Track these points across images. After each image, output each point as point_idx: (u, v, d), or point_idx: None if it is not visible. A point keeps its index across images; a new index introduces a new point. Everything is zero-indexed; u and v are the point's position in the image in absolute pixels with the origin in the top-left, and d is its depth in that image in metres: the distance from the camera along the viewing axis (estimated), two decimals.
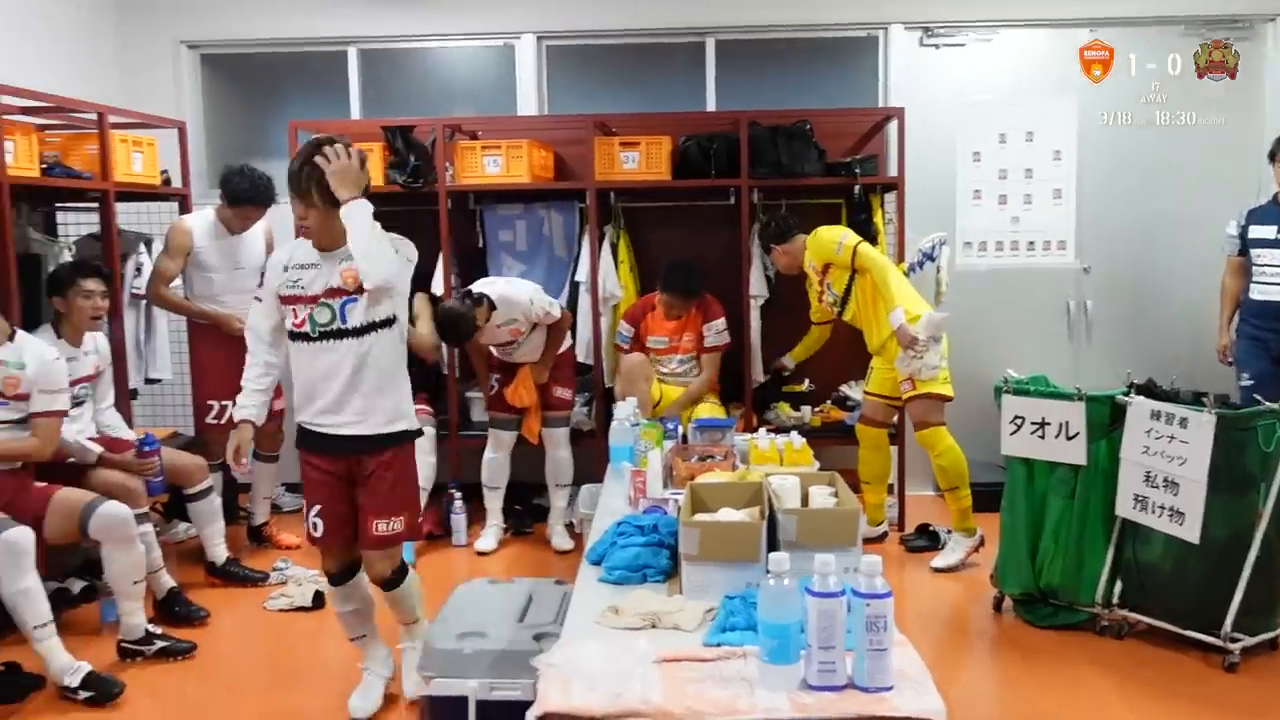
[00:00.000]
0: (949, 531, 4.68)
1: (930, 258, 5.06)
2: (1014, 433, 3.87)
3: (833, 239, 4.67)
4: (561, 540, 4.94)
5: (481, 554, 4.90)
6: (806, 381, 5.47)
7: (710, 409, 4.98)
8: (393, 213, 5.38)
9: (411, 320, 4.81)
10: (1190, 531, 3.41)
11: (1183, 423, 3.42)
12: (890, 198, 5.29)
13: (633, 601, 2.32)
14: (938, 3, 5.68)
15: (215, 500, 4.46)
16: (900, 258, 5.08)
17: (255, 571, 4.54)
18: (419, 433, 3.16)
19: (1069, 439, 3.73)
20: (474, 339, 4.62)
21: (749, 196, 5.16)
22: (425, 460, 4.85)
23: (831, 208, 5.41)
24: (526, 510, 5.31)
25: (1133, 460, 3.58)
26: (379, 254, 2.82)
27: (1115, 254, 5.78)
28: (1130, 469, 3.60)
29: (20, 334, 3.67)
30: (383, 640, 3.37)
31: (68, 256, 4.66)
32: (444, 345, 5.06)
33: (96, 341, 4.21)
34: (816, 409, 5.41)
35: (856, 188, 5.16)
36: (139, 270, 4.94)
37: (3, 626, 3.27)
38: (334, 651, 3.68)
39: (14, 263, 4.00)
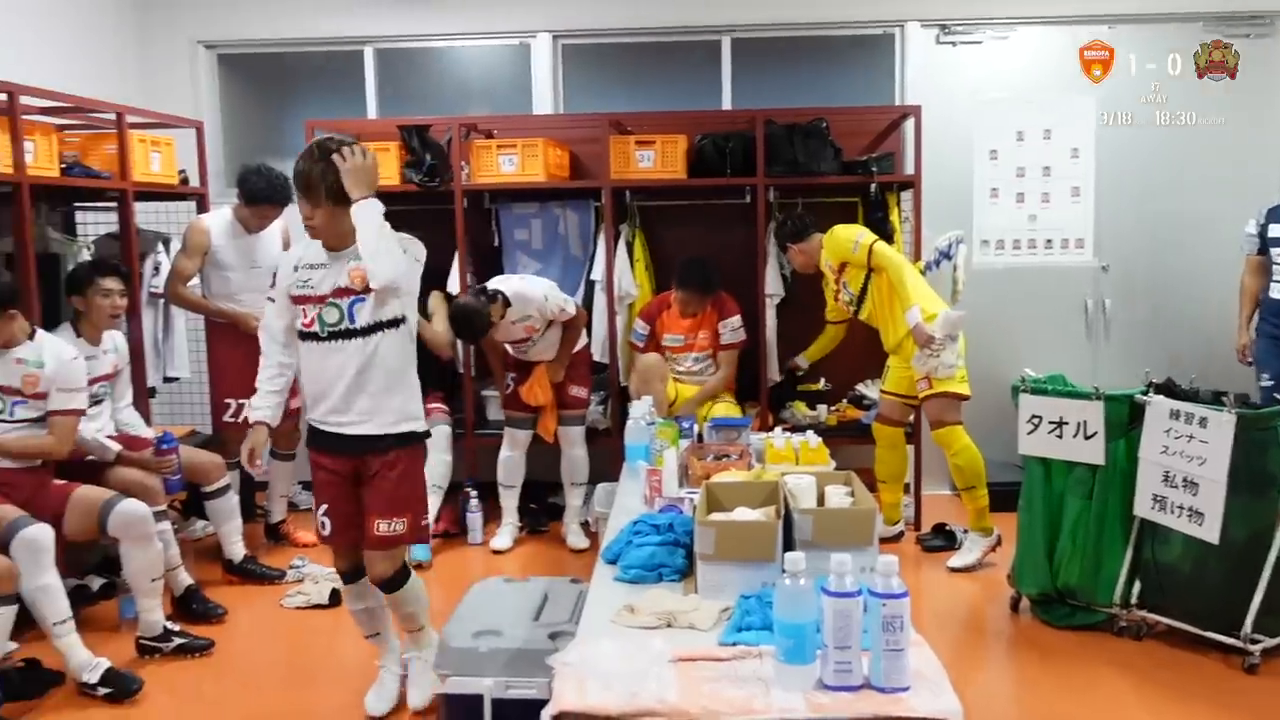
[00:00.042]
0: (966, 531, 4.66)
1: (947, 256, 5.03)
2: (1031, 432, 3.85)
3: (849, 237, 4.66)
4: (577, 539, 4.94)
5: (497, 552, 4.91)
6: (822, 380, 5.45)
7: (726, 408, 4.98)
8: (409, 211, 5.42)
9: (427, 317, 4.86)
10: (1210, 532, 3.38)
11: (1202, 422, 3.40)
12: (907, 196, 5.27)
13: (648, 600, 2.32)
14: (954, 0, 5.66)
15: (233, 498, 4.48)
16: (917, 256, 5.07)
17: (272, 569, 4.56)
18: (426, 434, 3.14)
19: (1087, 438, 3.71)
20: (489, 336, 4.63)
21: (765, 195, 5.15)
22: (441, 459, 4.88)
23: (848, 206, 5.39)
24: (542, 509, 5.32)
25: (1151, 460, 3.56)
26: (387, 253, 2.81)
27: (1134, 252, 5.75)
28: (1149, 469, 3.57)
29: (40, 333, 3.69)
30: (398, 637, 3.38)
31: (86, 256, 4.69)
32: (459, 342, 5.07)
33: (115, 340, 4.23)
34: (832, 408, 5.39)
35: (873, 186, 5.14)
36: (157, 269, 4.97)
37: (23, 623, 3.29)
38: (350, 649, 3.69)
39: (33, 262, 4.03)
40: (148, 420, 4.59)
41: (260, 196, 4.58)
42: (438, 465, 4.89)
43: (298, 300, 2.96)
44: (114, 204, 4.79)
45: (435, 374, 5.19)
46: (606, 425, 5.31)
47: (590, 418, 5.14)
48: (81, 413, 3.74)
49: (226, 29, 5.96)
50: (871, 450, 4.93)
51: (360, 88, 6.00)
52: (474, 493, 5.07)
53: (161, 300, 5.01)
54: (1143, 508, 3.61)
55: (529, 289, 4.66)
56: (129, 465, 4.02)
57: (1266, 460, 3.39)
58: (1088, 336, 5.81)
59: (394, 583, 3.10)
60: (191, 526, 5.03)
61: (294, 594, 4.33)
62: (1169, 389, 3.66)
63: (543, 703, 1.91)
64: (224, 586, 4.42)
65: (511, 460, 4.99)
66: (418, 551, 4.70)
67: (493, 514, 5.08)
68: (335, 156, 2.83)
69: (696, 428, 4.06)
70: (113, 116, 4.62)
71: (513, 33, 5.91)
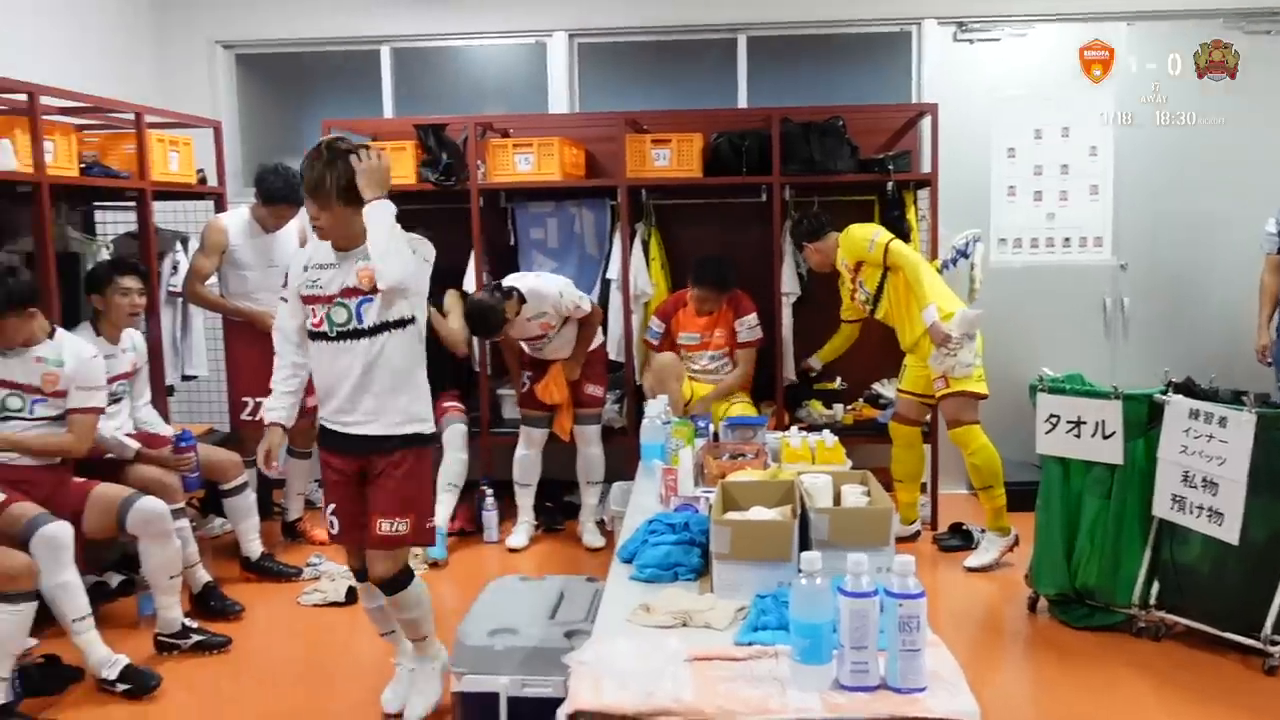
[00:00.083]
0: (983, 530, 4.64)
1: (964, 254, 5.01)
2: (1049, 431, 3.83)
3: (865, 236, 4.65)
4: (593, 537, 4.95)
5: (513, 551, 4.91)
6: (838, 379, 5.44)
7: (742, 407, 4.97)
8: (425, 210, 5.45)
9: (443, 314, 4.88)
10: (1229, 532, 3.36)
11: (1222, 422, 3.38)
12: (924, 194, 5.25)
13: (664, 600, 2.32)
14: None
15: (250, 496, 4.50)
16: (934, 255, 5.05)
17: (289, 567, 4.58)
18: (434, 437, 3.10)
19: (1105, 438, 3.68)
20: (504, 333, 4.63)
21: (781, 193, 5.14)
22: (457, 457, 4.89)
23: (864, 205, 5.37)
24: (558, 507, 5.33)
25: (1170, 460, 3.54)
26: (396, 254, 2.80)
27: (1153, 250, 5.71)
28: (1168, 469, 3.55)
29: (59, 331, 3.72)
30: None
31: (105, 255, 4.72)
32: (475, 340, 5.08)
33: (134, 339, 4.26)
34: (849, 407, 5.38)
35: (889, 184, 5.12)
36: (175, 268, 5.00)
37: (43, 619, 3.31)
38: (366, 646, 3.70)
39: (53, 261, 4.06)
40: (166, 418, 4.62)
41: (277, 196, 4.59)
42: (454, 464, 4.90)
43: (307, 300, 2.96)
44: (133, 203, 4.82)
45: (451, 373, 5.21)
46: (622, 424, 5.31)
47: (606, 416, 5.14)
48: (101, 411, 3.77)
49: (244, 29, 5.99)
50: (888, 449, 4.92)
51: (377, 87, 6.02)
52: (490, 491, 5.08)
53: (180, 299, 5.03)
54: (1162, 508, 3.59)
55: (544, 286, 4.67)
56: (148, 463, 4.04)
57: None
58: (1106, 335, 5.78)
59: (394, 584, 3.04)
60: (209, 524, 5.05)
61: (311, 591, 4.34)
62: (1188, 388, 3.63)
63: (558, 701, 1.91)
64: (241, 584, 4.45)
65: (527, 459, 4.99)
66: (434, 550, 4.72)
67: (508, 512, 5.09)
68: (352, 157, 2.83)
69: (712, 427, 4.05)
70: (131, 116, 4.65)
71: (529, 32, 5.91)
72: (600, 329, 5.03)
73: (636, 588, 2.46)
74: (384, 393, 2.92)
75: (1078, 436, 3.75)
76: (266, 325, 4.51)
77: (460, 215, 5.27)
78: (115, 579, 4.27)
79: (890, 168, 5.10)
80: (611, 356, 5.22)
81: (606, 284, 5.40)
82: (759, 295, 5.14)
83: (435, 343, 4.97)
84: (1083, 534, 3.80)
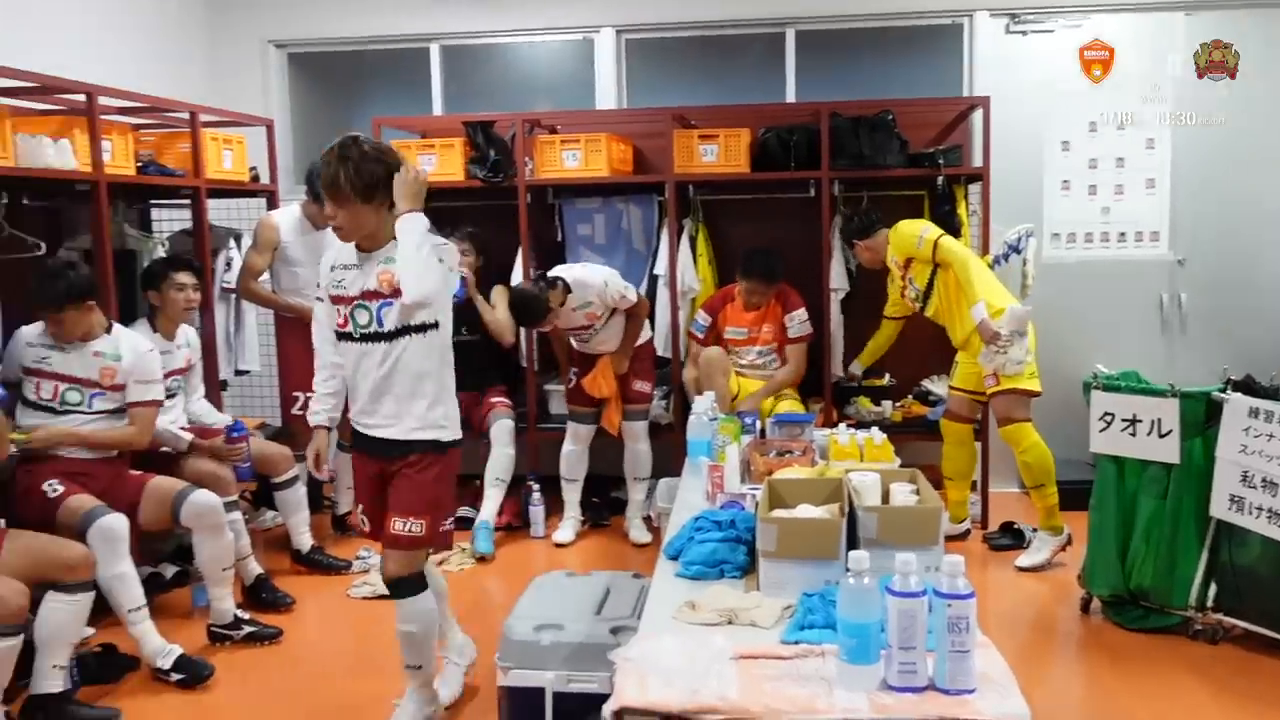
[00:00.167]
0: (1035, 530, 4.57)
1: (1016, 250, 4.93)
2: (1104, 430, 3.77)
3: (913, 233, 4.60)
4: (639, 533, 4.95)
5: (559, 546, 4.93)
6: (886, 376, 5.39)
7: (790, 404, 4.94)
8: (473, 207, 5.49)
9: (491, 306, 4.93)
10: None
11: None
12: (975, 189, 5.18)
13: (710, 597, 2.31)
14: None
15: (301, 489, 4.56)
16: (985, 250, 4.98)
17: (339, 560, 4.63)
18: (456, 443, 3.01)
19: (1161, 437, 3.61)
20: (549, 322, 4.64)
21: (829, 188, 5.10)
22: (504, 452, 4.92)
23: (914, 199, 5.31)
24: (604, 503, 5.34)
25: (1229, 459, 3.46)
26: (425, 271, 2.75)
27: (1212, 245, 5.58)
28: (1226, 468, 3.47)
29: (116, 326, 3.79)
30: (460, 628, 3.41)
31: (161, 252, 4.80)
32: (521, 331, 5.11)
33: (188, 335, 4.33)
34: (897, 404, 5.32)
35: (940, 179, 5.06)
36: (229, 265, 5.07)
37: (99, 609, 3.37)
38: None
39: (111, 258, 4.13)
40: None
41: None
42: (500, 459, 4.93)
43: (334, 300, 2.95)
44: (188, 201, 4.89)
45: (499, 369, 5.24)
46: (669, 420, 5.30)
47: (653, 412, 5.14)
48: (160, 404, 3.84)
49: (296, 28, 6.06)
50: (937, 447, 4.87)
51: (426, 85, 6.06)
52: (536, 486, 5.10)
53: (233, 295, 5.11)
54: (1219, 508, 3.51)
55: (589, 275, 4.68)
56: (201, 454, 4.11)
57: None
58: (1162, 332, 5.67)
59: (401, 587, 2.96)
60: (261, 517, 5.13)
61: (360, 584, 4.39)
62: (1248, 386, 3.55)
63: (604, 697, 1.91)
64: (292, 576, 4.50)
65: (574, 454, 5.01)
66: (480, 544, 4.75)
67: (555, 508, 5.10)
68: (395, 175, 2.80)
69: (759, 423, 4.03)
70: (186, 116, 4.72)
71: (577, 28, 5.92)
72: (648, 323, 5.02)
73: (682, 584, 2.46)
74: (404, 397, 2.89)
75: (1133, 435, 3.68)
76: None
77: (508, 212, 5.29)
78: (170, 570, 4.35)
79: (941, 162, 5.04)
80: (659, 352, 5.21)
81: (654, 280, 5.40)
82: (807, 291, 5.11)
83: (485, 338, 5.03)
84: (1138, 534, 3.73)
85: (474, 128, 5.29)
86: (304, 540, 4.58)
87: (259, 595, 4.16)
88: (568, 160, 5.20)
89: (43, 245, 4.08)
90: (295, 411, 4.85)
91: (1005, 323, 4.33)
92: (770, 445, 3.51)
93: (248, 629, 3.86)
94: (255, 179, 5.29)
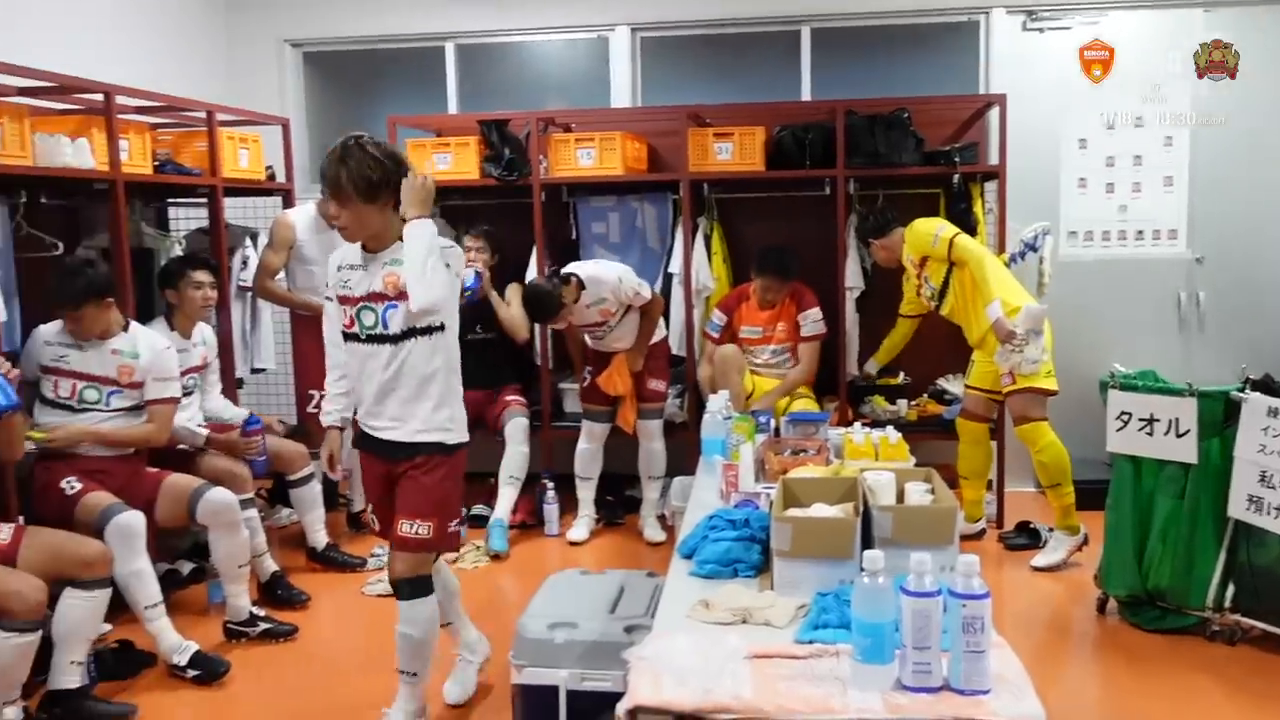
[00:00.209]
0: (1051, 529, 4.55)
1: (1033, 248, 4.90)
2: (1120, 429, 3.75)
3: (929, 231, 4.58)
4: (653, 532, 4.95)
5: (573, 544, 4.93)
6: (901, 375, 5.37)
7: (804, 402, 4.93)
8: (487, 206, 5.50)
9: (505, 303, 4.94)
10: None
11: None
12: (991, 187, 5.15)
13: (724, 596, 2.31)
14: None
15: (316, 487, 4.58)
16: (1001, 248, 4.96)
17: (353, 557, 4.65)
18: (462, 445, 2.99)
19: (1179, 436, 3.59)
20: (563, 318, 4.64)
21: (845, 187, 5.08)
22: (518, 450, 4.93)
23: (930, 198, 5.29)
24: (619, 501, 5.34)
25: (1247, 459, 3.43)
26: (433, 280, 2.74)
27: (1230, 244, 5.54)
28: (1244, 468, 3.45)
29: (134, 325, 3.81)
30: (474, 625, 3.41)
31: (178, 250, 4.82)
32: (537, 330, 5.11)
33: (204, 333, 4.35)
34: (913, 403, 5.30)
35: (956, 177, 5.04)
36: (245, 263, 5.09)
37: (116, 606, 3.39)
38: None
39: (128, 257, 4.16)
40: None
41: None
42: (515, 456, 4.93)
43: (341, 300, 2.95)
44: (204, 200, 4.92)
45: (513, 366, 5.25)
46: (684, 419, 5.30)
47: (668, 411, 5.13)
48: (177, 401, 3.86)
49: (312, 28, 6.08)
50: (952, 446, 4.85)
51: (441, 83, 6.08)
52: (551, 484, 5.11)
53: (249, 294, 5.13)
54: (1237, 509, 3.49)
55: (603, 272, 4.68)
56: (217, 448, 4.13)
57: None
58: (1180, 330, 5.63)
59: (407, 590, 2.95)
60: (277, 514, 5.15)
61: (374, 582, 4.40)
62: (1267, 386, 3.53)
63: (617, 695, 1.91)
64: (307, 573, 4.52)
65: (588, 452, 5.01)
66: (495, 542, 4.76)
67: (569, 506, 5.11)
68: (404, 180, 2.81)
69: (774, 422, 4.03)
70: (203, 115, 4.74)
71: (591, 26, 5.93)
72: (662, 321, 5.02)
73: (696, 583, 2.45)
74: (409, 399, 2.88)
75: (1150, 435, 3.66)
76: None
77: (523, 210, 5.30)
78: (186, 567, 4.37)
79: (956, 160, 5.02)
80: (674, 351, 5.21)
81: (668, 278, 5.40)
82: (822, 289, 5.09)
83: (500, 336, 5.04)
84: (1155, 534, 3.70)
85: (489, 126, 5.29)
86: (319, 538, 4.60)
87: (274, 592, 4.18)
88: (582, 159, 5.20)
89: (60, 245, 4.10)
90: (310, 410, 4.86)
91: (1021, 321, 4.31)
92: (785, 444, 3.51)
93: (263, 626, 3.88)
94: (271, 178, 5.31)
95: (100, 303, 3.61)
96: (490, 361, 5.07)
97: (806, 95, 5.79)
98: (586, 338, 4.94)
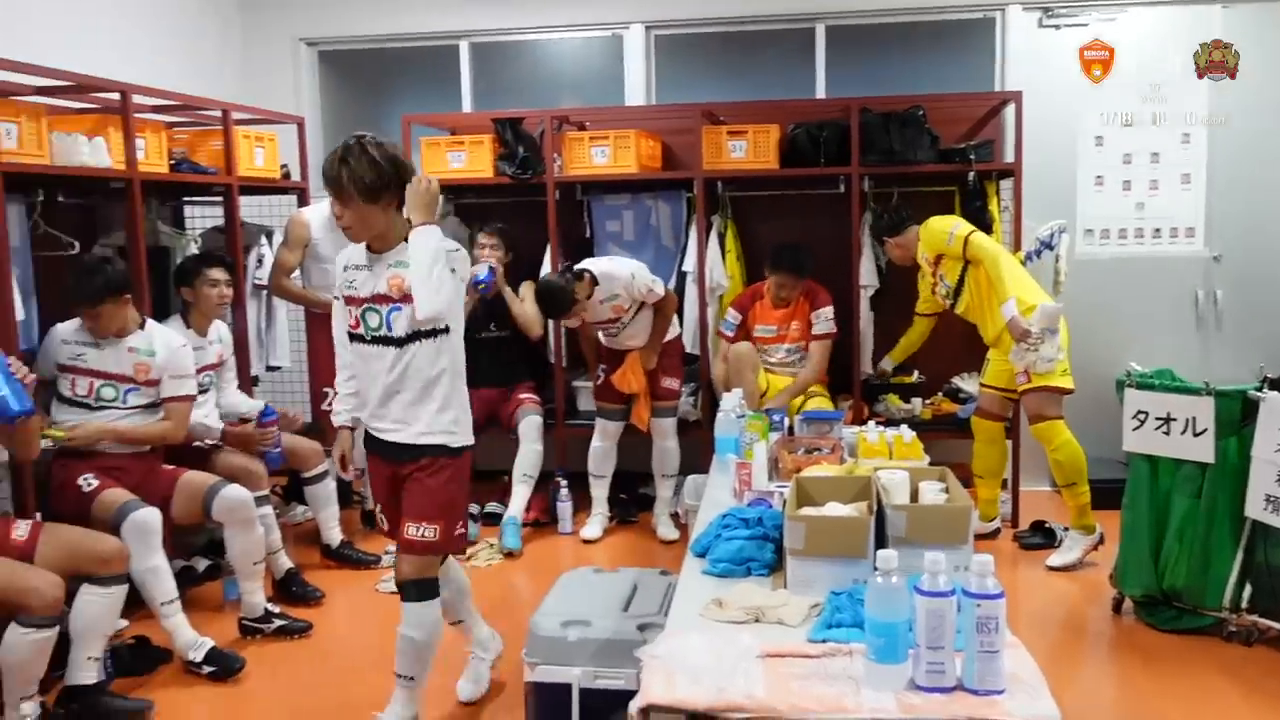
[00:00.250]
0: (1066, 529, 4.53)
1: (1049, 246, 4.88)
2: (1137, 428, 3.72)
3: (943, 229, 4.56)
4: (667, 530, 4.95)
5: (587, 542, 4.94)
6: (915, 373, 5.35)
7: (818, 401, 4.92)
8: (502, 204, 5.51)
9: (520, 299, 4.95)
10: None
11: None
12: (1006, 184, 5.13)
13: (737, 595, 2.31)
14: None
15: (330, 484, 4.59)
16: (1017, 246, 4.93)
17: (367, 554, 4.67)
18: (467, 447, 2.98)
19: (1196, 435, 3.57)
20: (576, 314, 4.64)
21: (859, 185, 5.07)
22: (532, 448, 4.94)
23: (945, 196, 5.27)
24: (632, 499, 5.34)
25: (1265, 459, 3.41)
26: (438, 287, 2.74)
27: (1249, 241, 5.50)
28: (1262, 468, 3.42)
29: (150, 323, 3.83)
30: (486, 622, 3.42)
31: (194, 249, 4.84)
32: (550, 325, 5.12)
33: (220, 331, 4.37)
34: (927, 401, 5.29)
35: (971, 175, 5.02)
36: (260, 262, 5.11)
37: (133, 602, 3.41)
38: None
39: (144, 255, 4.18)
40: None
41: None
42: (529, 454, 4.94)
43: (346, 301, 2.94)
44: (220, 198, 4.94)
45: (527, 364, 5.26)
46: (697, 417, 5.30)
47: (681, 409, 5.13)
48: (194, 398, 3.88)
49: (327, 27, 6.10)
50: (967, 445, 4.83)
51: (456, 82, 6.09)
52: (564, 482, 5.11)
53: (264, 292, 5.15)
54: (1255, 508, 3.46)
55: (616, 268, 4.68)
56: (232, 440, 4.15)
57: None
58: (1197, 329, 5.59)
59: (412, 592, 2.95)
60: (292, 511, 5.17)
61: (388, 579, 4.40)
62: None
63: (630, 693, 1.91)
64: (322, 570, 4.54)
65: (602, 450, 5.01)
66: (508, 540, 4.76)
67: (583, 504, 5.11)
68: (409, 184, 2.81)
69: (787, 421, 4.02)
70: (219, 114, 4.77)
71: (605, 24, 5.93)
72: (676, 319, 5.02)
73: (709, 582, 2.45)
74: (413, 401, 2.87)
75: (1167, 434, 3.64)
76: None
77: (537, 208, 5.30)
78: (202, 564, 4.39)
79: (972, 158, 5.01)
80: (687, 349, 5.20)
81: (682, 276, 5.39)
82: (837, 288, 5.08)
83: (514, 334, 5.05)
84: (1171, 534, 3.68)
85: (503, 124, 5.30)
86: (333, 535, 4.62)
87: (289, 589, 4.20)
88: (596, 157, 5.20)
89: (77, 244, 4.12)
90: (325, 407, 4.88)
91: (1036, 320, 4.28)
92: (798, 443, 3.50)
93: (278, 622, 3.90)
94: (286, 176, 5.33)
95: (118, 300, 3.64)
96: (504, 359, 5.08)
97: (821, 93, 5.78)
98: (600, 335, 4.94)
